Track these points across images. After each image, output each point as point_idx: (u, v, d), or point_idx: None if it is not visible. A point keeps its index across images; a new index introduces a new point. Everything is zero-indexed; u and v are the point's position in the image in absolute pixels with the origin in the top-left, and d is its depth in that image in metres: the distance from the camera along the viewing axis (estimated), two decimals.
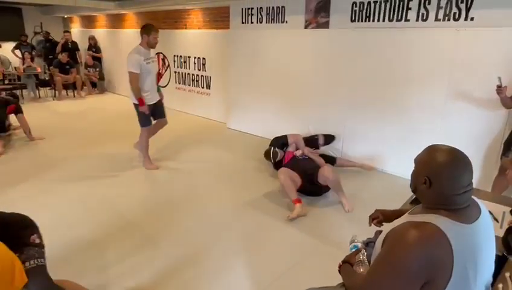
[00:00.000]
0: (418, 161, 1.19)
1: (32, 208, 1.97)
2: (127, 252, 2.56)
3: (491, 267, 1.17)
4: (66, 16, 10.32)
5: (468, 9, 3.31)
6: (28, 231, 1.42)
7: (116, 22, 8.64)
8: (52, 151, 4.66)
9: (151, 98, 3.91)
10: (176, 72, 7.15)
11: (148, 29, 3.78)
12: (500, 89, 2.86)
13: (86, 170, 4.05)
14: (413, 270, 1.03)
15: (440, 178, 1.10)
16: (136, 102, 3.79)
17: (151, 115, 3.99)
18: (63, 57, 8.12)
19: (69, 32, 9.19)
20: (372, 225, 1.66)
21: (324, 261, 2.41)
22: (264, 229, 2.92)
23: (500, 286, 1.32)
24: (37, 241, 1.42)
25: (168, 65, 7.28)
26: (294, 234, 2.84)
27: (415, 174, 1.20)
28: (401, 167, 3.90)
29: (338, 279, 1.43)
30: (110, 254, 2.53)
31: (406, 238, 1.05)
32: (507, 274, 1.35)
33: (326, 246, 2.67)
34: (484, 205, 1.20)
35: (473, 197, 1.17)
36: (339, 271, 1.42)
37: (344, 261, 1.43)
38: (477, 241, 1.09)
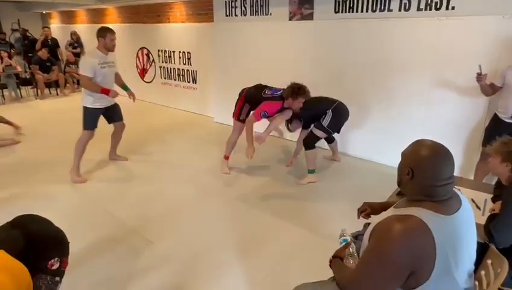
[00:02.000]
0: (404, 154, 1.25)
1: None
2: (122, 253, 2.57)
3: (472, 256, 1.23)
4: (44, 12, 10.02)
5: None
6: (48, 252, 1.16)
7: (97, 16, 8.44)
8: (33, 154, 4.57)
9: (103, 102, 3.72)
10: (161, 67, 7.06)
11: (103, 32, 3.58)
12: (480, 76, 2.92)
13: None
14: (399, 262, 1.08)
15: (422, 169, 1.16)
16: (86, 105, 3.65)
17: (107, 119, 3.92)
18: (42, 53, 7.88)
19: (49, 28, 8.95)
20: (361, 217, 1.71)
21: (315, 254, 2.46)
22: (254, 223, 2.96)
23: (483, 272, 1.38)
24: (55, 266, 1.16)
25: (153, 60, 7.17)
26: (284, 227, 2.89)
27: (400, 167, 1.25)
28: (386, 156, 3.98)
29: (330, 273, 1.47)
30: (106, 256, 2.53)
31: (391, 232, 1.10)
32: (489, 261, 1.41)
33: (316, 238, 2.71)
34: (464, 196, 1.26)
35: (454, 189, 1.22)
36: (330, 266, 1.47)
37: (334, 256, 1.48)
38: (459, 231, 1.14)
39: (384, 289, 1.15)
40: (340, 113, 3.58)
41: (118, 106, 3.98)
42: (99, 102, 3.69)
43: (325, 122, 3.53)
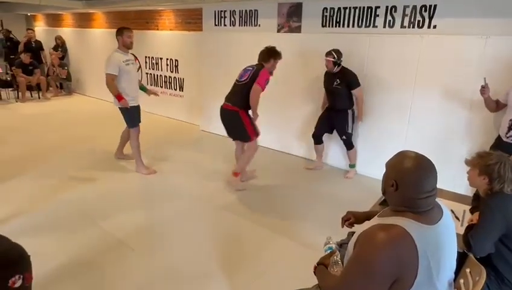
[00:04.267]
0: (388, 165, 1.27)
1: None
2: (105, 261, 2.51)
3: (452, 264, 1.26)
4: (29, 14, 9.84)
5: (431, 18, 3.49)
6: (8, 271, 1.05)
7: (83, 21, 8.34)
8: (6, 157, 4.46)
9: (137, 100, 3.96)
10: (147, 73, 7.02)
11: (119, 31, 3.78)
12: (483, 89, 2.91)
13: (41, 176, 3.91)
14: (383, 270, 1.10)
15: (405, 183, 1.18)
16: (120, 105, 3.78)
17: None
18: (25, 58, 7.70)
19: (33, 30, 8.78)
20: (344, 226, 1.73)
21: (298, 262, 2.47)
22: (238, 232, 2.95)
23: (462, 281, 1.42)
24: (18, 284, 1.06)
25: (140, 67, 7.13)
26: (268, 236, 2.89)
27: (384, 178, 1.28)
28: (371, 168, 4.05)
29: (313, 281, 1.48)
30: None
31: (375, 240, 1.12)
32: (467, 270, 1.45)
33: (300, 247, 2.72)
34: (446, 207, 1.30)
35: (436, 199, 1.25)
36: (314, 273, 1.48)
37: (319, 263, 1.48)
38: (440, 240, 1.17)
39: None
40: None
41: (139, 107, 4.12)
42: (132, 101, 3.88)
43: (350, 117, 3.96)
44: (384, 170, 1.29)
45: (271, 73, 3.54)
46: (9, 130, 5.38)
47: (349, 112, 3.91)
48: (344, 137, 3.99)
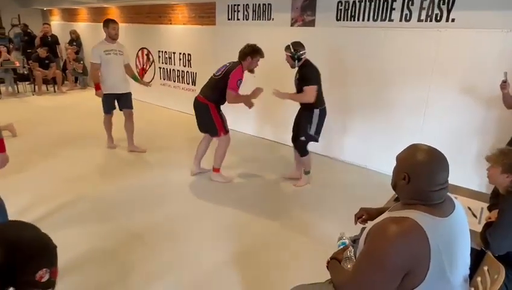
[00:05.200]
0: (399, 158, 1.26)
1: None
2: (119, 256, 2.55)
3: (467, 260, 1.24)
4: (45, 9, 10.00)
5: (449, 11, 3.40)
6: (34, 262, 1.01)
7: (98, 15, 8.43)
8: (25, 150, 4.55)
9: (113, 88, 4.21)
10: (160, 68, 7.06)
11: (105, 23, 4.13)
12: (504, 84, 2.84)
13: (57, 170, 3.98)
14: (394, 263, 1.10)
15: (418, 175, 1.17)
16: (104, 92, 4.17)
17: (119, 105, 4.37)
18: (41, 52, 7.86)
19: (49, 24, 8.92)
20: (358, 223, 1.72)
21: (312, 257, 2.46)
22: (251, 227, 2.95)
23: (479, 279, 1.39)
24: (45, 278, 1.02)
25: (153, 61, 7.18)
26: (281, 232, 2.88)
27: (395, 171, 1.26)
28: (385, 164, 3.99)
29: (326, 275, 1.47)
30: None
31: (387, 233, 1.12)
32: (485, 268, 1.42)
33: (313, 243, 2.72)
34: (459, 201, 1.28)
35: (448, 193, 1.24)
36: (327, 267, 1.47)
37: (332, 258, 1.48)
38: (452, 233, 1.16)
39: None
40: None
41: (129, 95, 4.39)
42: (109, 89, 4.20)
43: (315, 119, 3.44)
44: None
45: (252, 71, 3.52)
46: (26, 122, 5.48)
47: (316, 111, 3.43)
48: (302, 138, 3.47)
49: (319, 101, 3.43)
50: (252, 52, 3.45)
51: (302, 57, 3.36)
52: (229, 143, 3.67)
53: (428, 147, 1.21)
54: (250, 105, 3.55)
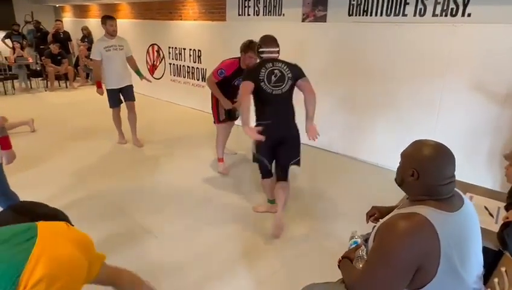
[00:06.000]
0: (405, 154, 1.26)
1: None
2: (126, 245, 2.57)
3: (479, 257, 1.22)
4: (57, 5, 10.11)
5: (465, 5, 3.32)
6: None
7: (109, 11, 8.47)
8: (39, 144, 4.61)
9: (116, 83, 4.31)
10: (170, 64, 7.08)
11: (103, 20, 4.17)
12: None
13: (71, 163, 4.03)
14: (405, 259, 1.09)
15: (427, 170, 1.17)
16: (108, 88, 4.28)
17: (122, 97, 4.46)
18: (54, 48, 7.97)
19: (61, 21, 9.01)
20: (369, 221, 1.69)
21: (323, 256, 2.44)
22: (263, 222, 2.94)
23: (496, 280, 1.35)
24: None
25: (163, 57, 7.20)
26: (293, 229, 2.86)
27: (402, 168, 1.26)
28: (397, 162, 3.93)
29: (338, 275, 1.45)
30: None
31: (396, 229, 1.12)
32: (503, 269, 1.38)
33: (325, 242, 2.69)
34: (467, 196, 1.27)
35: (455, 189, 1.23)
36: (339, 266, 1.45)
37: (344, 257, 1.46)
38: (462, 228, 1.15)
39: (392, 287, 1.14)
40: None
41: (131, 87, 4.47)
42: (112, 83, 4.30)
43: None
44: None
45: (247, 65, 3.22)
46: (40, 117, 5.55)
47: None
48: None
49: (258, 113, 2.72)
50: (243, 48, 3.32)
51: (263, 55, 2.72)
52: (224, 134, 3.82)
53: (433, 141, 1.22)
54: (226, 105, 3.53)
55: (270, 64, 2.62)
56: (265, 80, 2.58)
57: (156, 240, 2.66)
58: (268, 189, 2.95)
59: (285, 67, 2.66)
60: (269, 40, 2.73)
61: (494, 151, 3.33)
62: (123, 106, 4.50)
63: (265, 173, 2.85)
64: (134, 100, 4.52)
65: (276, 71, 2.62)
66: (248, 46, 3.27)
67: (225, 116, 3.65)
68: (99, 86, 4.27)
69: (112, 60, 4.18)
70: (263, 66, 2.62)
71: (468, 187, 2.12)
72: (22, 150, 4.27)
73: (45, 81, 8.19)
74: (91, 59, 4.22)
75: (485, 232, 1.63)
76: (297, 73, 2.69)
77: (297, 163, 2.83)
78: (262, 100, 2.64)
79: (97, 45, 4.17)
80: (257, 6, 5.06)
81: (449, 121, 3.58)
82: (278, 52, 2.75)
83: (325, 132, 4.62)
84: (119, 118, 4.55)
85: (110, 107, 4.44)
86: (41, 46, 8.61)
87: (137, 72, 4.54)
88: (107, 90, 4.31)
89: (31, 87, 8.12)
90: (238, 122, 3.25)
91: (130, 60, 4.44)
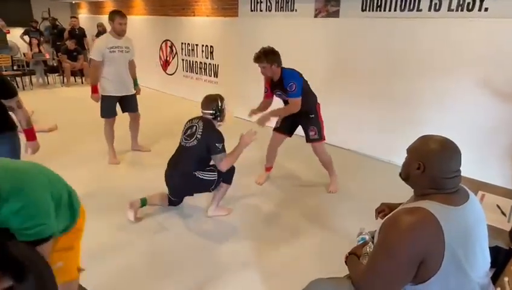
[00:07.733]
0: (411, 149, 1.28)
1: None
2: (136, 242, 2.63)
3: (485, 252, 1.22)
4: (73, 2, 10.28)
5: (482, 0, 3.24)
6: None
7: (124, 8, 8.54)
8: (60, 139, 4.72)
9: (116, 90, 3.72)
10: (183, 59, 7.13)
11: (112, 15, 3.55)
12: None
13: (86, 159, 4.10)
14: (408, 253, 1.10)
15: (433, 162, 1.18)
16: (104, 94, 3.67)
17: (121, 107, 3.90)
18: (70, 44, 8.12)
19: (76, 18, 9.16)
20: (378, 218, 1.69)
21: (330, 252, 2.44)
22: (273, 219, 2.96)
23: (506, 279, 1.34)
24: None
25: (176, 53, 7.26)
26: (301, 224, 2.88)
27: (407, 162, 1.28)
28: None
29: (345, 270, 1.46)
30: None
31: (399, 224, 1.13)
32: None
33: (333, 237, 2.70)
34: (472, 192, 1.26)
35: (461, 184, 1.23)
36: (346, 262, 1.46)
37: (351, 253, 1.47)
38: (466, 223, 1.15)
39: (396, 282, 1.16)
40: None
41: (133, 97, 3.94)
42: (112, 90, 3.70)
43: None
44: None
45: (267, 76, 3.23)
46: (57, 112, 5.68)
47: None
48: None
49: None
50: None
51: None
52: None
53: (439, 136, 1.23)
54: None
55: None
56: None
57: (167, 231, 2.71)
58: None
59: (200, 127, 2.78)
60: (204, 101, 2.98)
61: (507, 149, 3.26)
62: (122, 115, 4.00)
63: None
64: (138, 111, 4.00)
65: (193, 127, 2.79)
66: (255, 58, 3.24)
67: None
68: (94, 91, 3.64)
69: (114, 63, 3.59)
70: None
71: (480, 185, 2.10)
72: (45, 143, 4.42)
73: (61, 76, 8.36)
74: (90, 59, 3.57)
75: (497, 231, 1.62)
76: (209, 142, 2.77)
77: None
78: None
79: (100, 43, 3.57)
80: (269, 1, 5.05)
81: (461, 118, 3.52)
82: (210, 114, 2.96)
83: (337, 129, 4.63)
84: (112, 131, 3.85)
85: (102, 116, 3.75)
86: (57, 43, 8.79)
87: (134, 81, 3.94)
88: (102, 96, 3.67)
89: (48, 83, 8.30)
90: None
91: (131, 64, 3.84)
